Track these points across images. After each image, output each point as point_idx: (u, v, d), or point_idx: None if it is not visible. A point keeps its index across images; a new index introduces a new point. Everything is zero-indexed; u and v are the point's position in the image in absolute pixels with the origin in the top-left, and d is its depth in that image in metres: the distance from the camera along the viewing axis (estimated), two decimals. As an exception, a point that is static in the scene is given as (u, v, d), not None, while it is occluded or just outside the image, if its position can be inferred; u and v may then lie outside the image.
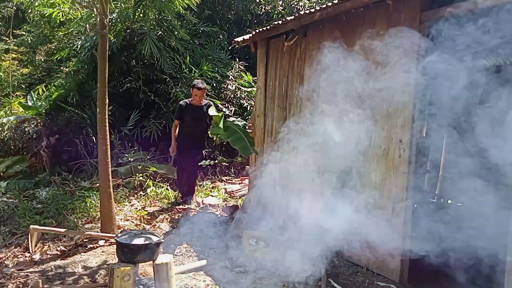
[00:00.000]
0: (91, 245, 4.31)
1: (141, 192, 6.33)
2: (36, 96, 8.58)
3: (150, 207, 5.82)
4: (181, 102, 5.95)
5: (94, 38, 7.60)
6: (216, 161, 7.55)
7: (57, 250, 4.17)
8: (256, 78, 6.02)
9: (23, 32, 11.74)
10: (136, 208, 5.70)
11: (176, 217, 5.48)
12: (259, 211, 5.01)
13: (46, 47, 11.32)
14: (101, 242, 4.37)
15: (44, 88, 8.97)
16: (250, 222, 4.80)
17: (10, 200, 5.47)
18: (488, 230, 4.65)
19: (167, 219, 5.37)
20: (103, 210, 4.52)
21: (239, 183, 7.30)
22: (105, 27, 4.33)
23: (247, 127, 6.36)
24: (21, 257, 3.99)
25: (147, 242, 3.24)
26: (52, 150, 7.33)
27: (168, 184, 6.73)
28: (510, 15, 3.35)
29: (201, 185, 7.05)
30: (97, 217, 5.03)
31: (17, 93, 10.18)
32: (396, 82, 3.70)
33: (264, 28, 5.38)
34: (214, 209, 5.92)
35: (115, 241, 3.32)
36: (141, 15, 5.65)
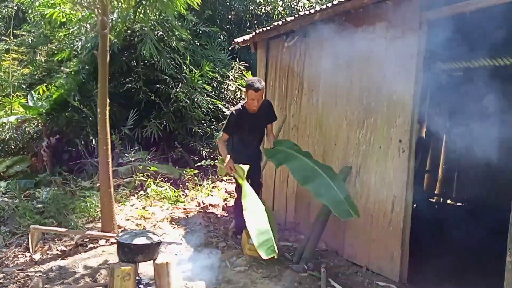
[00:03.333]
0: (92, 245, 4.32)
1: (141, 192, 6.33)
2: (36, 96, 8.58)
3: (151, 206, 5.83)
4: (233, 111, 4.18)
5: (95, 38, 7.60)
6: (217, 161, 7.55)
7: (57, 250, 4.17)
8: (256, 78, 6.02)
9: (23, 32, 11.74)
10: (137, 208, 5.71)
11: (177, 217, 5.49)
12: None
13: (46, 47, 11.33)
14: (102, 242, 4.38)
15: (44, 88, 8.97)
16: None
17: (11, 200, 5.47)
18: (486, 229, 4.66)
19: (167, 219, 5.38)
20: (103, 210, 4.53)
21: (239, 183, 7.30)
22: (106, 28, 4.34)
23: None
24: (21, 257, 3.99)
25: (147, 241, 3.25)
26: (53, 150, 7.34)
27: (169, 184, 6.73)
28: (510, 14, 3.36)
29: (201, 184, 7.06)
30: (98, 217, 5.03)
31: (18, 93, 10.17)
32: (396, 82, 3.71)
33: (264, 29, 5.39)
34: (214, 209, 5.93)
35: (115, 240, 3.33)
36: (142, 15, 5.64)
